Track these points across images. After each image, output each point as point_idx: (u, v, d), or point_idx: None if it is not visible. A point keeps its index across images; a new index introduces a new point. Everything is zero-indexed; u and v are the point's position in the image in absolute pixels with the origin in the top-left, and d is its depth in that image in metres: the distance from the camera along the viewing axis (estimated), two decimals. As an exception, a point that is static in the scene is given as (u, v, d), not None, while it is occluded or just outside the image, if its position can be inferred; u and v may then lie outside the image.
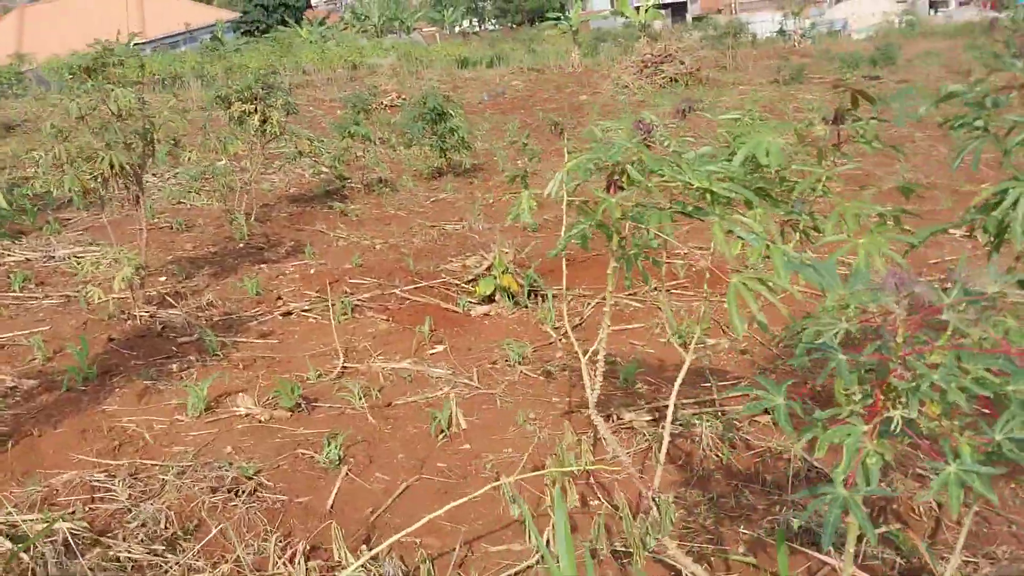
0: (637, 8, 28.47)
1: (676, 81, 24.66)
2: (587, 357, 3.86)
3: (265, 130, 9.58)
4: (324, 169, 13.09)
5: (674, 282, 7.49)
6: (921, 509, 3.77)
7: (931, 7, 59.55)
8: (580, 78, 28.93)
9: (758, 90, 22.75)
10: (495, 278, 7.42)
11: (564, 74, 30.52)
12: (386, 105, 21.43)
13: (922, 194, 8.01)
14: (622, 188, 2.98)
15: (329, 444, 4.60)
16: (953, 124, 3.01)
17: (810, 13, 44.46)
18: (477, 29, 68.43)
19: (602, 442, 4.58)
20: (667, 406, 4.96)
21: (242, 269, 8.51)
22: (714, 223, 2.66)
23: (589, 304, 7.08)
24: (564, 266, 4.12)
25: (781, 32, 39.46)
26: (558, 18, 32.12)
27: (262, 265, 8.67)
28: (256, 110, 9.37)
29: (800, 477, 4.11)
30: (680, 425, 4.64)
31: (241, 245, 9.46)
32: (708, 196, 2.74)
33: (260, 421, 5.03)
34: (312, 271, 8.35)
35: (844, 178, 10.19)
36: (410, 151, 15.01)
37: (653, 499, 3.54)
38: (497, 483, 3.82)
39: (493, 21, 70.33)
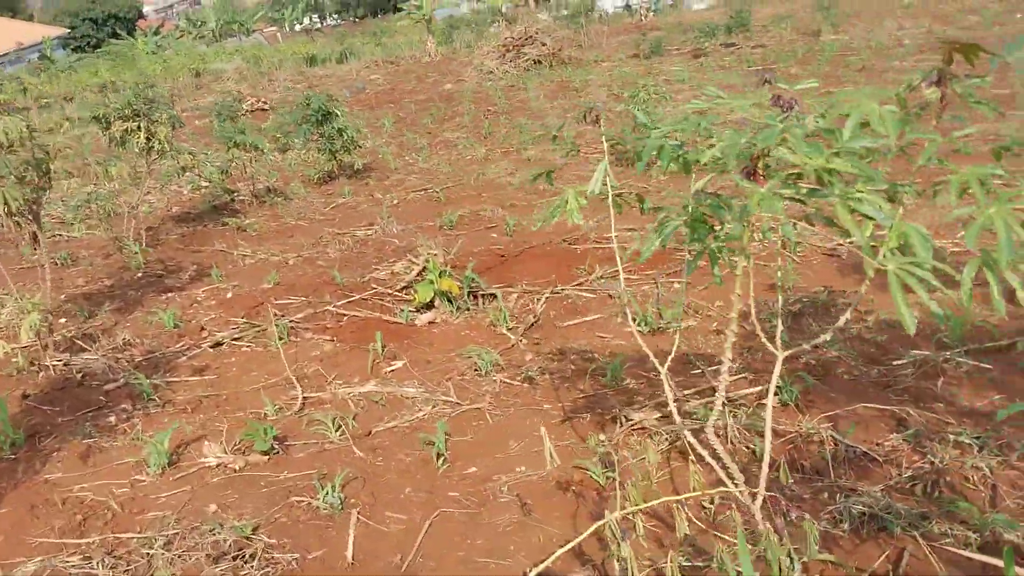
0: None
1: (540, 63, 24.63)
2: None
3: (152, 148, 8.83)
4: (205, 184, 12.31)
5: (614, 268, 7.32)
6: (975, 478, 3.70)
7: (759, -25, 61.89)
8: (439, 67, 28.56)
9: (621, 66, 22.98)
10: (432, 283, 7.06)
11: (421, 64, 30.06)
12: (248, 111, 20.50)
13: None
14: (756, 177, 2.69)
15: (323, 487, 4.18)
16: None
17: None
18: (319, 26, 66.81)
19: (623, 448, 4.35)
20: (673, 400, 4.78)
21: (148, 301, 7.83)
22: (836, 204, 2.42)
23: (539, 300, 6.82)
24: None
25: (628, 7, 40.17)
26: (410, 8, 31.56)
27: (169, 294, 8.00)
28: (140, 127, 8.62)
29: (839, 460, 3.99)
30: (696, 419, 4.44)
31: (139, 275, 8.72)
32: (827, 175, 2.51)
33: (235, 470, 4.54)
34: (229, 295, 7.75)
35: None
36: (289, 156, 14.37)
37: (792, 515, 3.33)
38: (603, 521, 3.33)
39: (335, 16, 68.87)
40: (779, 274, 3.47)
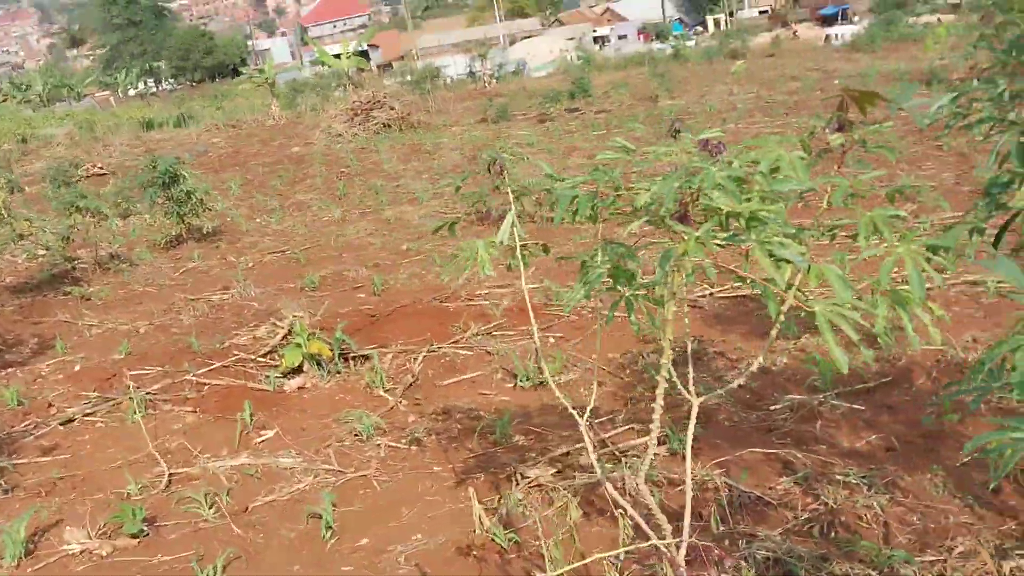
0: (338, 56, 28.17)
1: (389, 127, 24.64)
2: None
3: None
4: (42, 252, 11.47)
5: (492, 324, 7.24)
6: (868, 517, 3.77)
7: (595, 42, 64.70)
8: (284, 130, 28.11)
9: (470, 130, 23.29)
10: (299, 346, 6.76)
11: (265, 127, 29.51)
12: (85, 176, 19.44)
13: (911, 196, 8.17)
14: (689, 220, 2.63)
15: (203, 570, 3.83)
16: (972, 121, 3.04)
17: (492, 54, 46.51)
18: (155, 90, 64.75)
19: (514, 510, 4.21)
20: (565, 453, 4.70)
21: (-17, 378, 7.14)
22: (754, 247, 2.40)
23: (415, 359, 6.64)
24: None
25: (471, 74, 40.93)
26: (252, 73, 31.04)
27: (9, 369, 7.34)
28: (-26, 193, 7.97)
29: (735, 505, 3.99)
30: (587, 473, 4.37)
31: (-28, 349, 7.97)
32: (750, 220, 2.49)
33: (102, 556, 4.12)
34: (77, 368, 7.19)
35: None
36: (133, 221, 13.67)
37: (727, 563, 3.25)
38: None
39: (171, 81, 66.98)
40: (663, 328, 3.46)
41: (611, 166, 2.83)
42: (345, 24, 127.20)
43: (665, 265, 2.45)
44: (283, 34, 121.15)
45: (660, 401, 3.03)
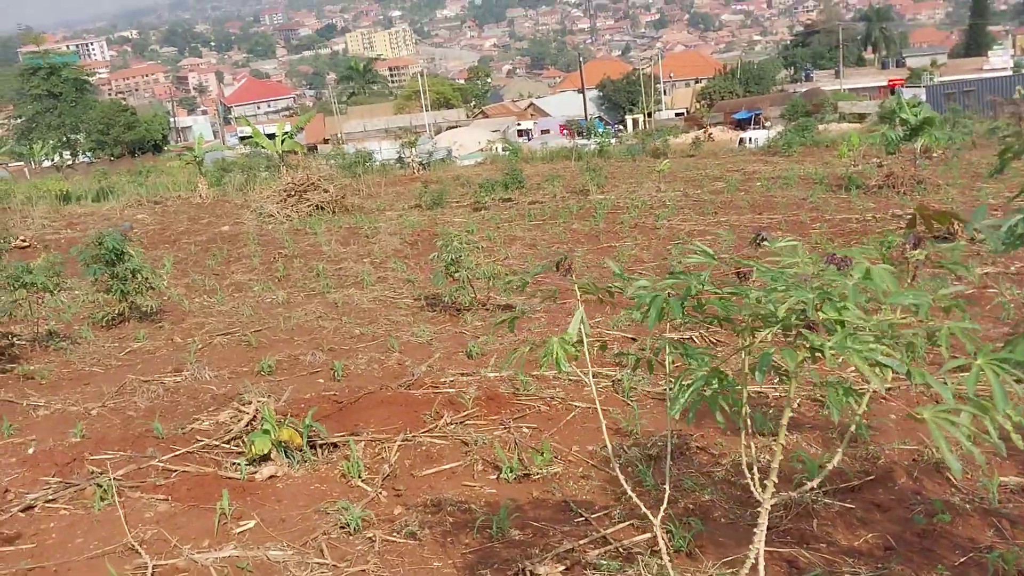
0: (271, 137, 28.20)
1: (323, 208, 24.61)
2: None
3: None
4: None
5: (464, 413, 7.22)
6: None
7: (519, 135, 66.28)
8: (212, 208, 27.80)
9: (407, 215, 23.43)
10: (268, 433, 6.62)
11: (192, 205, 29.14)
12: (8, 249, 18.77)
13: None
14: (817, 328, 2.70)
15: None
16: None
17: (420, 142, 47.08)
18: (71, 162, 63.33)
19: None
20: (570, 550, 4.68)
21: (-78, 462, 6.75)
22: (852, 354, 2.52)
23: (390, 448, 6.56)
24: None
25: (400, 160, 41.28)
26: (180, 150, 30.77)
27: (-50, 452, 6.95)
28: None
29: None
30: (601, 571, 4.36)
31: (-94, 430, 7.53)
32: (840, 326, 2.61)
33: (97, 658, 3.90)
34: (31, 451, 6.86)
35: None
36: (62, 297, 13.23)
37: None
38: None
39: (88, 154, 65.71)
40: (777, 432, 3.54)
41: (697, 270, 2.92)
42: (269, 106, 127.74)
43: (793, 368, 2.53)
44: (203, 112, 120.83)
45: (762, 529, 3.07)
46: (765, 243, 3.27)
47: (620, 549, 4.65)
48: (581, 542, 4.75)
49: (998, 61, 78.08)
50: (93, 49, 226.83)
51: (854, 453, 5.66)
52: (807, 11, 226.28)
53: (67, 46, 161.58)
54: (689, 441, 6.24)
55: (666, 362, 3.16)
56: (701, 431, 6.42)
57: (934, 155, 25.67)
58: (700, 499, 5.24)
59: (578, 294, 3.39)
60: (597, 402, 3.51)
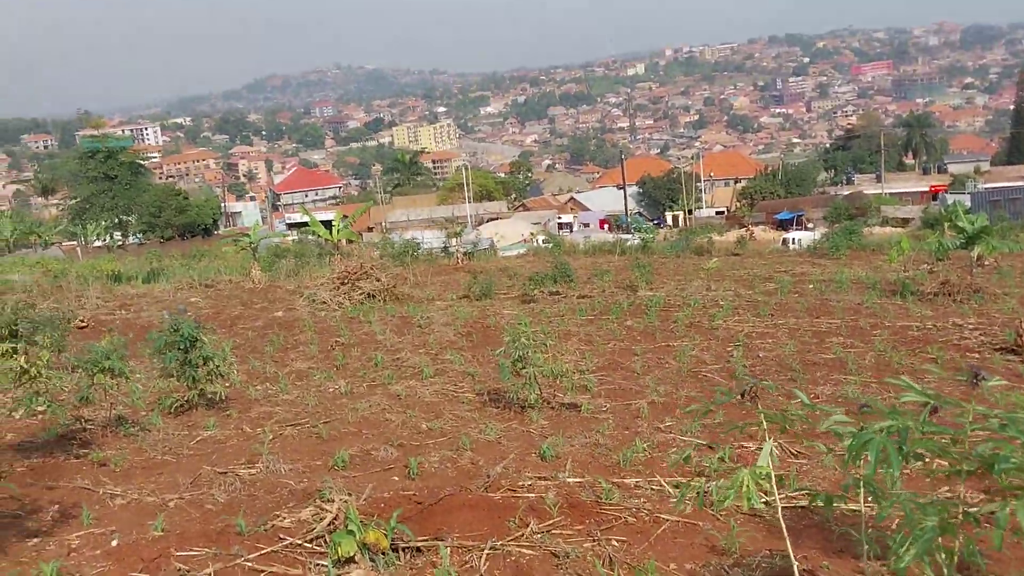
0: (327, 225, 28.67)
1: (374, 297, 24.78)
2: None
3: (28, 373, 7.89)
4: (40, 408, 11.06)
5: (549, 522, 7.06)
6: None
7: (560, 228, 66.88)
8: (264, 294, 28.08)
9: (456, 305, 23.51)
10: (352, 534, 6.51)
11: (243, 289, 29.46)
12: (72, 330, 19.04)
13: None
14: None
15: None
16: None
17: (464, 232, 47.59)
18: (121, 243, 64.87)
19: None
20: None
21: (11, 548, 6.72)
22: None
23: (480, 555, 6.40)
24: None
25: (445, 249, 41.70)
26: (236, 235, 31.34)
27: (35, 539, 6.91)
28: (16, 351, 7.72)
29: None
30: None
31: (-10, 514, 7.52)
32: None
33: None
34: (114, 543, 6.79)
35: None
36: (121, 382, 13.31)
37: None
38: None
39: (139, 235, 67.34)
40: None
41: (913, 411, 2.82)
42: (316, 194, 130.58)
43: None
44: (252, 198, 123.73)
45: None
46: (983, 381, 3.11)
47: None
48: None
49: (1042, 169, 78.15)
50: (147, 134, 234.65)
51: (970, 580, 5.42)
52: (846, 115, 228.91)
53: (123, 130, 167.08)
54: (793, 563, 6.01)
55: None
56: (803, 552, 6.20)
57: (987, 263, 25.46)
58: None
59: (764, 424, 3.30)
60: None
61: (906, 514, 2.71)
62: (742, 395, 3.26)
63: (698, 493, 3.16)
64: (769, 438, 3.16)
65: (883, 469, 2.79)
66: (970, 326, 16.21)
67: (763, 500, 2.88)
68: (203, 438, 10.17)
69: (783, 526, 3.22)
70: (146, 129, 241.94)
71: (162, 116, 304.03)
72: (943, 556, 2.74)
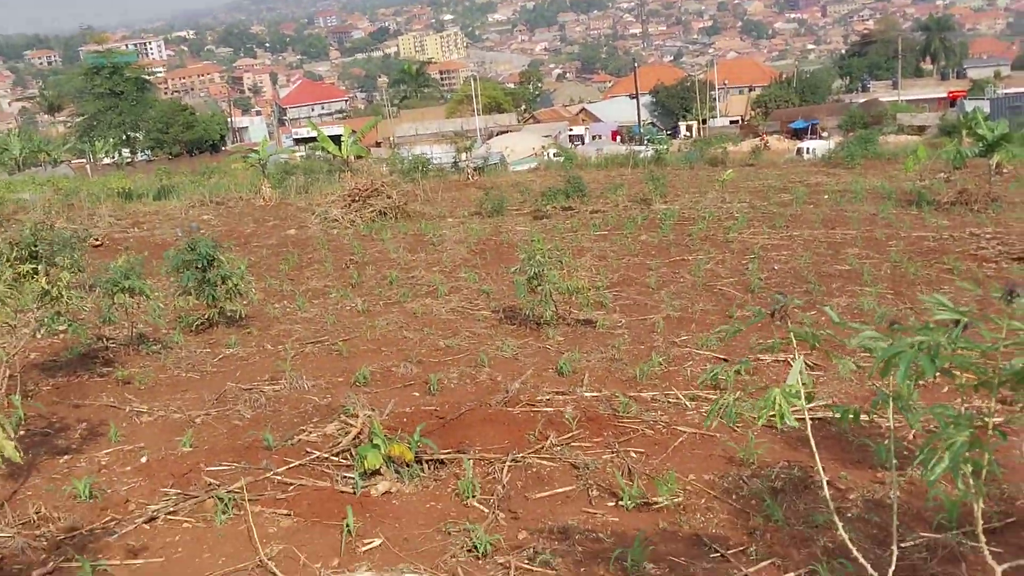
0: (336, 140, 28.42)
1: (385, 215, 24.69)
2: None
3: (49, 294, 7.97)
4: (61, 328, 11.20)
5: (568, 435, 7.19)
6: None
7: (570, 141, 66.10)
8: (276, 211, 28.06)
9: (468, 222, 23.44)
10: (378, 447, 6.64)
11: (254, 207, 29.42)
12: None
13: None
14: None
15: None
16: None
17: (473, 146, 47.20)
18: (130, 160, 64.56)
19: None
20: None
21: (43, 465, 6.91)
22: None
23: (501, 467, 6.54)
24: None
25: (455, 165, 41.38)
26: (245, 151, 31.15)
27: (66, 456, 7.09)
28: (38, 271, 7.78)
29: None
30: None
31: (21, 433, 7.67)
32: None
33: None
34: (144, 459, 6.96)
35: None
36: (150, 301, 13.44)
37: None
38: None
39: (147, 152, 66.96)
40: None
41: (945, 327, 2.81)
42: (323, 108, 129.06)
43: None
44: (258, 113, 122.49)
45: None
46: (1017, 298, 3.07)
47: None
48: (727, 580, 4.69)
49: (1064, 74, 76.37)
50: (151, 48, 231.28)
51: (988, 492, 5.50)
52: (863, 20, 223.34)
53: (126, 45, 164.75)
54: (812, 474, 6.14)
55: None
56: (822, 463, 6.29)
57: (1004, 171, 25.14)
58: (837, 538, 5.13)
59: (794, 342, 3.31)
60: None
61: (941, 426, 2.74)
62: (772, 314, 3.26)
63: (726, 408, 3.19)
64: (799, 357, 3.17)
65: (907, 384, 2.83)
66: (987, 235, 16.10)
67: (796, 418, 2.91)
68: (225, 356, 10.32)
69: (812, 442, 3.28)
70: (149, 44, 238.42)
71: (165, 30, 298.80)
72: (969, 468, 2.80)
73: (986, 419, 2.75)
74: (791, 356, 8.99)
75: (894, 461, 3.18)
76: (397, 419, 7.56)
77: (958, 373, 2.84)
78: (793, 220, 19.49)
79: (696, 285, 13.36)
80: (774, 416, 3.12)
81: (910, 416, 2.89)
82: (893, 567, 3.35)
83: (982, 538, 3.15)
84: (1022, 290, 3.01)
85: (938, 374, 2.85)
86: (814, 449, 3.37)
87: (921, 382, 3.03)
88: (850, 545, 3.39)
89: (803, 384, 3.24)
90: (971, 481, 2.91)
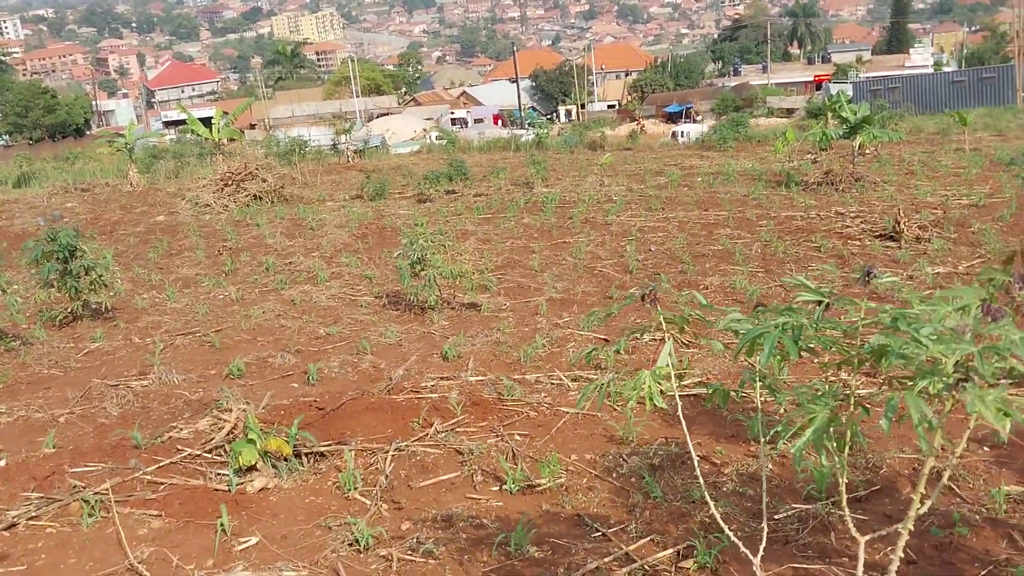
0: (207, 123, 27.41)
1: (261, 199, 24.01)
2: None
3: None
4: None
5: (453, 421, 7.13)
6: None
7: (452, 124, 65.79)
8: (144, 197, 26.92)
9: (349, 206, 23.04)
10: (253, 442, 6.44)
11: (122, 193, 28.16)
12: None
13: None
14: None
15: None
16: None
17: (354, 129, 46.46)
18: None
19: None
20: (595, 568, 4.65)
21: None
22: (976, 398, 2.50)
23: (384, 457, 6.44)
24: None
25: (334, 147, 40.61)
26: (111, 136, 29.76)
27: (-86, 463, 6.59)
28: None
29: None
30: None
31: None
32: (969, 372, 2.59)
33: None
34: (2, 462, 6.54)
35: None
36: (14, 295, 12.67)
37: None
38: None
39: (5, 138, 63.16)
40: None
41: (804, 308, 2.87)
42: (194, 90, 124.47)
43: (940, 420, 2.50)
44: (125, 95, 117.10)
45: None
46: (874, 279, 3.15)
47: (647, 567, 4.63)
48: (606, 560, 4.72)
49: (919, 58, 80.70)
50: (6, 27, 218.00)
51: (853, 462, 5.76)
52: (734, 5, 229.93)
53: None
54: (688, 449, 6.25)
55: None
56: (697, 439, 6.45)
57: (867, 151, 26.34)
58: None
59: (663, 324, 3.32)
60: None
61: (802, 404, 2.81)
62: (642, 298, 3.27)
63: (599, 390, 3.20)
64: (668, 339, 3.20)
65: (775, 362, 2.89)
66: (852, 214, 16.82)
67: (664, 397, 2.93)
68: (90, 350, 9.82)
69: (683, 420, 3.33)
70: (4, 22, 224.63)
71: (21, 7, 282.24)
72: (832, 442, 2.88)
73: (848, 394, 2.83)
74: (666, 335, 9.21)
75: (763, 436, 3.26)
76: (274, 412, 7.34)
77: (819, 352, 2.92)
78: (668, 202, 19.92)
79: (577, 267, 13.50)
80: (643, 398, 3.14)
81: (778, 395, 2.96)
82: (764, 543, 3.42)
83: (847, 510, 3.25)
84: (877, 272, 3.12)
85: (803, 353, 2.92)
86: (685, 429, 3.42)
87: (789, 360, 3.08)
88: (721, 523, 3.44)
89: (672, 366, 3.27)
90: (834, 455, 3.00)
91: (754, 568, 3.26)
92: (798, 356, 2.79)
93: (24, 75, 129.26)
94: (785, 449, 6.06)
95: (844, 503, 3.16)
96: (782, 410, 6.93)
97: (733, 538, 3.48)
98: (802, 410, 2.90)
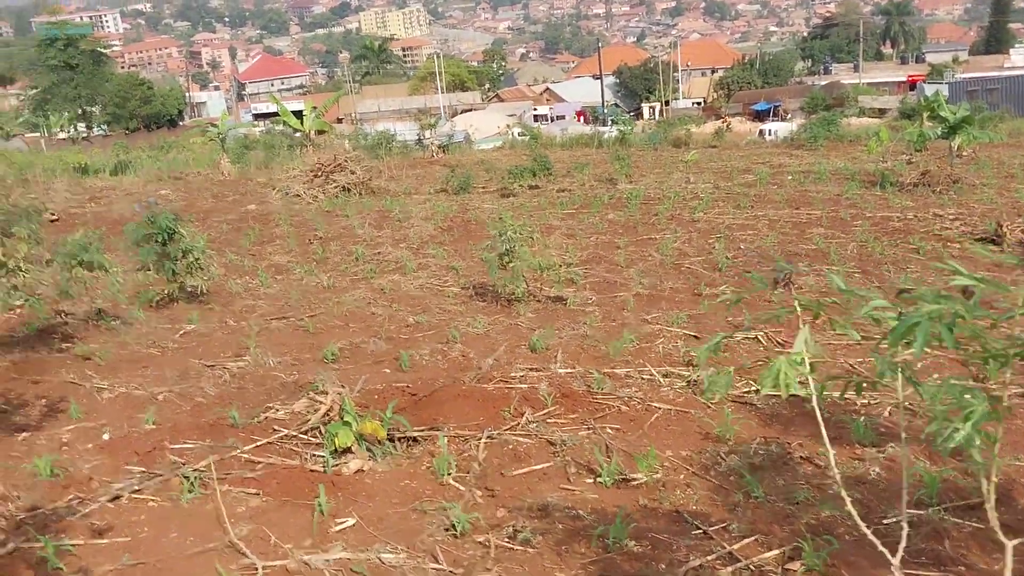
0: (298, 115, 27.92)
1: (349, 190, 24.35)
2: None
3: (6, 266, 7.66)
4: (18, 303, 10.85)
5: (544, 411, 7.08)
6: None
7: (534, 120, 65.82)
8: (235, 186, 27.54)
9: (433, 199, 23.18)
10: (349, 425, 6.48)
11: (214, 182, 28.87)
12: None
13: None
14: None
15: None
16: None
17: (439, 124, 46.76)
18: (86, 135, 63.07)
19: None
20: (699, 567, 4.53)
21: (1, 442, 6.63)
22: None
23: (477, 444, 6.42)
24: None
25: (419, 142, 40.95)
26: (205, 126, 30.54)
27: (24, 434, 6.83)
28: (-8, 242, 7.47)
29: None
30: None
31: (-24, 409, 7.40)
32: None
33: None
34: (106, 437, 6.72)
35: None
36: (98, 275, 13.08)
37: None
38: None
39: (103, 127, 65.45)
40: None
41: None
42: (283, 83, 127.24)
43: None
44: (216, 88, 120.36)
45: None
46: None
47: (751, 567, 4.50)
48: (709, 558, 4.60)
49: (1020, 59, 77.30)
50: (107, 21, 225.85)
51: (964, 468, 5.51)
52: (824, 3, 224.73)
53: (81, 17, 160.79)
54: (790, 450, 6.09)
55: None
56: (798, 439, 6.27)
57: (964, 153, 25.40)
58: (820, 515, 5.08)
59: (799, 311, 3.19)
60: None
61: (955, 397, 2.64)
62: (776, 283, 3.15)
63: (727, 381, 3.07)
64: (805, 324, 3.06)
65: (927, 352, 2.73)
66: (950, 216, 16.24)
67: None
68: (187, 332, 10.05)
69: (819, 414, 3.17)
70: (105, 16, 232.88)
71: (121, 2, 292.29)
72: (979, 440, 2.71)
73: (996, 393, 2.67)
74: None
75: (904, 435, 3.10)
76: (368, 396, 7.39)
77: (965, 344, 2.76)
78: (757, 200, 19.51)
79: (664, 263, 13.30)
80: (777, 386, 3.01)
81: (922, 388, 2.80)
82: (903, 543, 3.25)
83: (993, 514, 3.05)
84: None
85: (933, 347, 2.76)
86: (821, 422, 3.25)
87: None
88: (859, 521, 3.26)
89: (809, 352, 3.13)
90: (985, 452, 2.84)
91: (892, 569, 3.09)
92: (955, 346, 2.62)
93: (122, 67, 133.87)
94: (892, 453, 5.84)
95: (991, 506, 2.99)
96: (887, 412, 6.70)
97: (871, 536, 3.29)
98: (955, 404, 2.74)
